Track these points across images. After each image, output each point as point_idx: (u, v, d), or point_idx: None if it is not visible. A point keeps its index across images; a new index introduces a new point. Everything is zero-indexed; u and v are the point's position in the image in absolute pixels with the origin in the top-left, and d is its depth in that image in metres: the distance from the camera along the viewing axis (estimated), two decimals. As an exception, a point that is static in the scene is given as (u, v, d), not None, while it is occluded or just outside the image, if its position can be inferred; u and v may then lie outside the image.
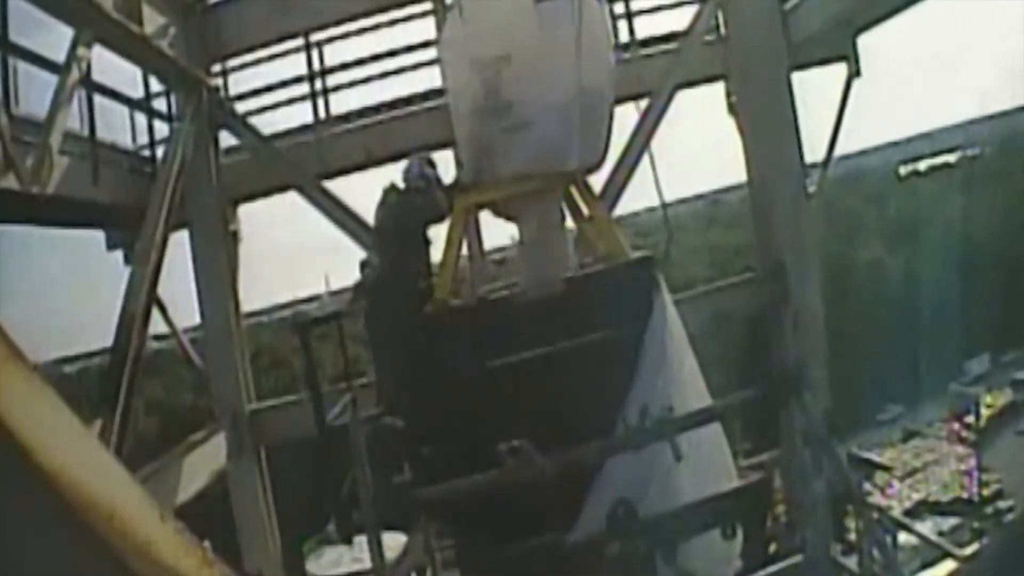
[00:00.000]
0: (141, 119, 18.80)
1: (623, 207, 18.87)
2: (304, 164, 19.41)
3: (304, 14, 19.54)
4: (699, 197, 73.09)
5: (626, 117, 17.91)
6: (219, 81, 19.71)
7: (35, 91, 14.27)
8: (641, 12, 20.70)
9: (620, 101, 17.65)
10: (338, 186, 19.12)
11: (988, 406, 53.94)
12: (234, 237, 20.06)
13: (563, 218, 12.82)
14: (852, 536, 15.41)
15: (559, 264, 12.49)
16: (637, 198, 18.59)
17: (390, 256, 11.62)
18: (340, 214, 18.33)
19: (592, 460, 10.19)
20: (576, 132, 11.82)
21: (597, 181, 15.55)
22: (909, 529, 22.65)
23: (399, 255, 11.58)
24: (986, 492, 45.39)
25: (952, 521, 44.45)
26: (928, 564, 20.24)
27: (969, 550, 23.62)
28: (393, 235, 11.68)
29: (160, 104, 19.16)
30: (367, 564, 10.50)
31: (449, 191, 12.38)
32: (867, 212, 68.01)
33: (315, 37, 20.24)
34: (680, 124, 20.57)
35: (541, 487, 9.33)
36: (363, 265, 12.28)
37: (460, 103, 12.63)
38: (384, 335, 11.79)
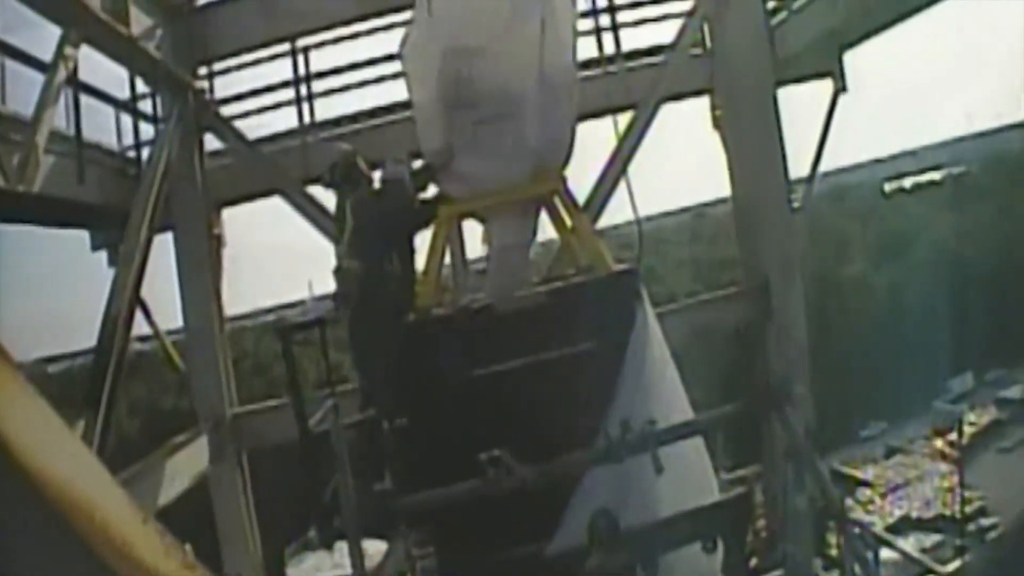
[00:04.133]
0: (127, 120, 18.80)
1: (607, 219, 18.87)
2: (289, 169, 19.41)
3: (291, 19, 19.54)
4: (684, 210, 73.22)
5: (610, 130, 17.95)
6: (205, 84, 19.68)
7: (22, 89, 14.27)
8: (627, 25, 20.76)
9: (605, 113, 17.70)
10: (323, 192, 19.11)
11: (971, 424, 54.07)
12: (218, 240, 20.01)
13: (535, 227, 12.85)
14: (834, 551, 15.45)
15: (522, 273, 12.56)
16: (622, 210, 18.61)
17: (371, 259, 11.57)
18: (324, 220, 18.30)
19: (573, 471, 10.19)
20: (548, 123, 11.87)
21: (581, 192, 15.58)
22: (891, 545, 22.74)
23: (380, 257, 11.55)
24: (969, 509, 45.48)
25: (935, 538, 44.51)
26: (910, 580, 20.30)
27: (951, 567, 23.69)
28: (374, 236, 11.64)
29: (146, 106, 19.13)
30: (347, 570, 10.50)
31: (429, 199, 12.43)
32: (852, 228, 68.15)
33: (302, 42, 20.26)
34: (665, 137, 20.61)
35: (521, 497, 9.32)
36: (337, 272, 12.22)
37: (427, 101, 12.68)
38: (367, 342, 11.77)
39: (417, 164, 12.68)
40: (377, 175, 12.52)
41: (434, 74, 12.21)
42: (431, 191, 12.56)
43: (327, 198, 18.36)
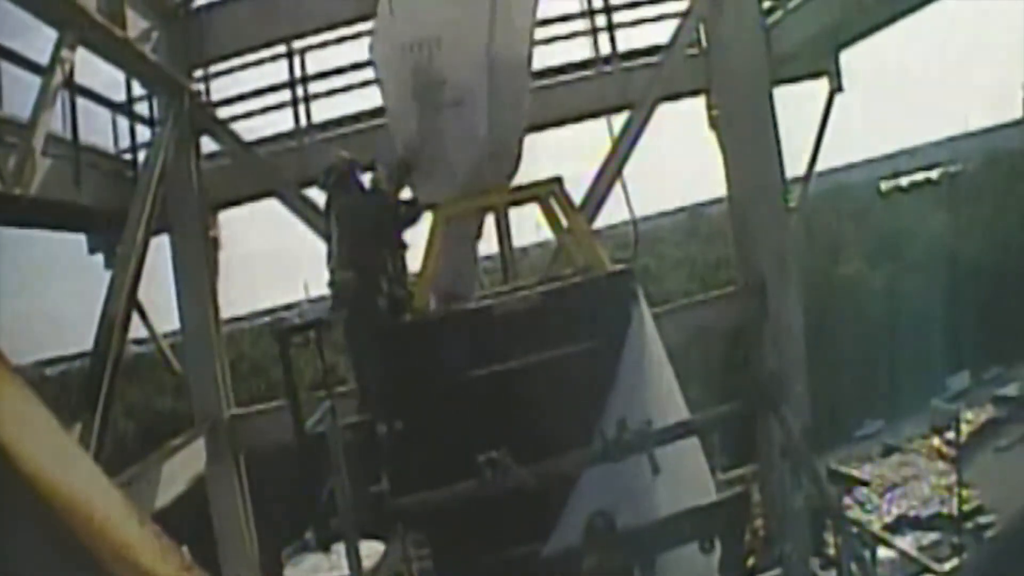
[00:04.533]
0: (123, 123, 18.81)
1: (604, 219, 18.86)
2: (285, 171, 19.41)
3: (287, 21, 19.55)
4: (680, 210, 73.20)
5: (598, 131, 18.05)
6: (201, 86, 19.67)
7: (19, 92, 14.27)
8: (623, 25, 20.78)
9: (601, 114, 17.75)
10: (319, 194, 19.06)
11: (969, 422, 54.00)
12: (214, 243, 20.01)
13: (482, 222, 12.92)
14: (831, 550, 15.43)
15: (469, 269, 12.63)
16: (619, 210, 18.59)
17: (361, 267, 11.54)
18: (320, 222, 18.27)
19: (569, 472, 10.18)
20: (496, 114, 11.90)
21: (577, 192, 15.57)
22: (889, 544, 22.69)
23: (372, 263, 11.53)
24: (966, 508, 45.43)
25: (932, 536, 44.45)
26: (908, 578, 20.28)
27: (949, 565, 23.67)
28: (362, 243, 11.62)
29: (142, 108, 19.15)
30: (345, 572, 10.49)
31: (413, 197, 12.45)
32: (848, 227, 68.04)
33: (297, 44, 20.27)
34: (662, 137, 20.61)
35: (519, 498, 9.32)
36: (332, 284, 12.19)
37: (394, 96, 12.76)
38: (363, 344, 11.76)
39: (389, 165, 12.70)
40: (367, 177, 12.57)
41: (396, 67, 12.30)
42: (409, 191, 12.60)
43: (323, 200, 18.45)
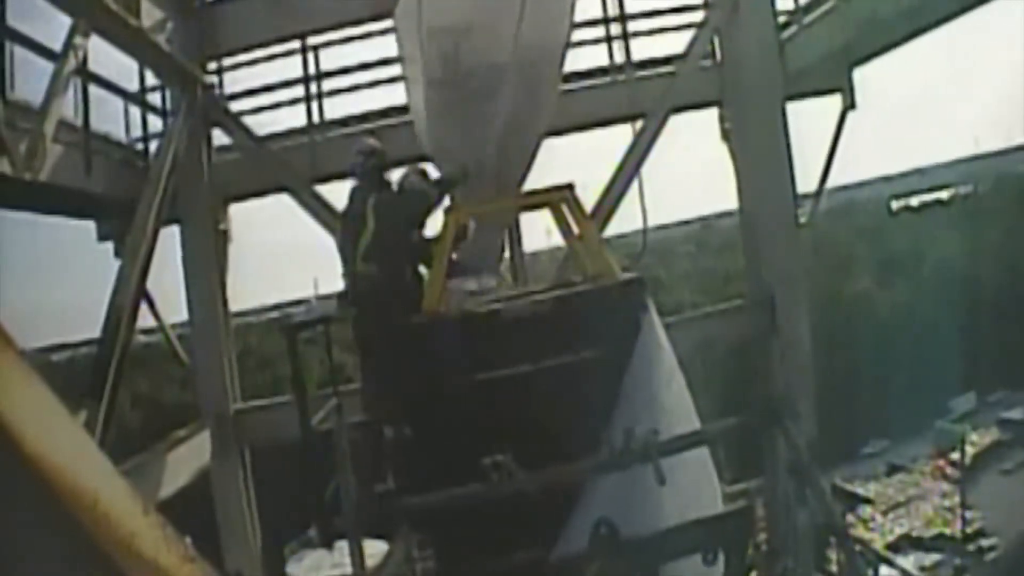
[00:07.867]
0: (136, 112, 18.81)
1: (615, 227, 18.82)
2: (296, 167, 19.42)
3: (302, 17, 19.58)
4: (691, 221, 73.34)
5: (618, 138, 18.01)
6: (214, 79, 19.70)
7: (32, 77, 14.26)
8: (637, 34, 20.76)
9: (615, 122, 17.70)
10: (330, 191, 19.07)
11: (974, 444, 54.05)
12: (224, 236, 20.02)
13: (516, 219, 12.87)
14: (834, 567, 15.37)
15: (494, 254, 12.59)
16: (631, 219, 18.57)
17: (391, 264, 11.52)
18: (330, 219, 18.24)
19: (575, 479, 10.13)
20: (522, 102, 11.86)
21: (588, 200, 15.52)
22: (891, 563, 22.63)
23: (401, 262, 11.51)
24: (969, 529, 45.47)
25: (934, 557, 44.55)
26: (908, 599, 20.23)
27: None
28: (398, 240, 11.60)
29: (155, 98, 19.15)
30: (347, 570, 10.47)
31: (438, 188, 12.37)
32: (858, 245, 68.11)
33: (312, 40, 20.27)
34: (674, 147, 20.58)
35: (524, 503, 9.27)
36: (350, 274, 12.16)
37: (419, 90, 12.69)
38: (374, 343, 11.73)
39: (435, 176, 12.65)
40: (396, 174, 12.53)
41: (423, 60, 12.19)
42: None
43: (335, 196, 18.35)
